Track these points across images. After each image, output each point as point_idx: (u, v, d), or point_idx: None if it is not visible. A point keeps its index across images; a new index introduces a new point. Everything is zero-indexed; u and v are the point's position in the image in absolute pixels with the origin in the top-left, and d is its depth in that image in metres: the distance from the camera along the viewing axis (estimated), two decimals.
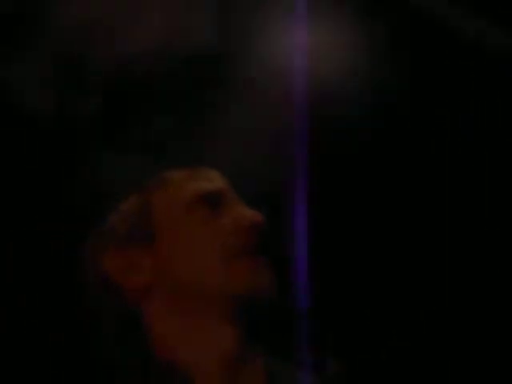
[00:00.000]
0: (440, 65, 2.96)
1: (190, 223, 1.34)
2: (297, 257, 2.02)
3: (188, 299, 1.29)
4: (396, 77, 2.94)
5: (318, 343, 2.30)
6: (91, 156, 3.03)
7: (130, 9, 2.86)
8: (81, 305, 1.40)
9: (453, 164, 3.02)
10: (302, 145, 2.75)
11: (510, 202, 2.97)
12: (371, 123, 2.99)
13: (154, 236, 1.34)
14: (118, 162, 2.95)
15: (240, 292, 1.28)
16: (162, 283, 1.31)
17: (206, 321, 1.28)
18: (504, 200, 2.98)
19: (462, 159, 3.02)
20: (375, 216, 3.02)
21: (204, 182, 1.40)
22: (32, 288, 2.92)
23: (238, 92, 2.88)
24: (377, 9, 2.89)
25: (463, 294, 2.98)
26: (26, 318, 2.92)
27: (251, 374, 1.28)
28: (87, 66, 2.92)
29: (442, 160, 3.03)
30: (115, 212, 1.41)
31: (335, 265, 2.95)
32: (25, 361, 2.88)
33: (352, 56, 2.87)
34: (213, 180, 1.41)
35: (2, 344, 2.90)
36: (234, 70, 2.90)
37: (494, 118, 2.99)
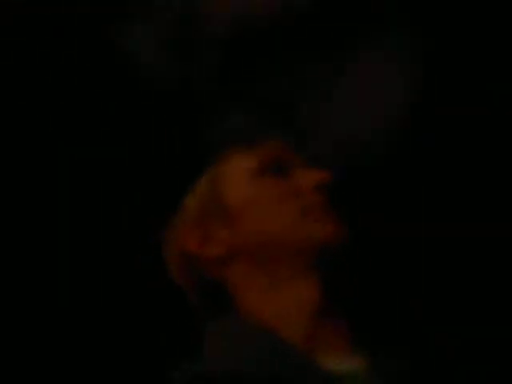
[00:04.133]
0: None
1: (260, 190, 1.39)
2: None
3: (269, 258, 1.34)
4: None
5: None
6: (211, 118, 2.99)
7: None
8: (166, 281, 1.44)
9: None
10: None
11: None
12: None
13: (227, 209, 1.39)
14: (235, 123, 2.91)
15: (322, 240, 1.32)
16: (242, 250, 1.36)
17: (288, 278, 1.32)
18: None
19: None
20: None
21: (268, 151, 1.45)
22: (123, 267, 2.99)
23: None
24: None
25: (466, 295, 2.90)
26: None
27: (335, 329, 1.31)
28: (206, 25, 2.87)
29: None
30: (189, 192, 1.48)
31: None
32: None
33: None
34: (275, 148, 1.46)
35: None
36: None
37: None
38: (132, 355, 3.06)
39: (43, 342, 3.12)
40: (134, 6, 2.89)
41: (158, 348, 2.95)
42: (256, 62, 2.92)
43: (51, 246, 3.07)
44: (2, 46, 2.91)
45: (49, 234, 3.06)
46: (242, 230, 1.36)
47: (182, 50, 2.95)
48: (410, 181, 2.88)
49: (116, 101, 3.03)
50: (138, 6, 2.90)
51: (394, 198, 2.74)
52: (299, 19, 2.82)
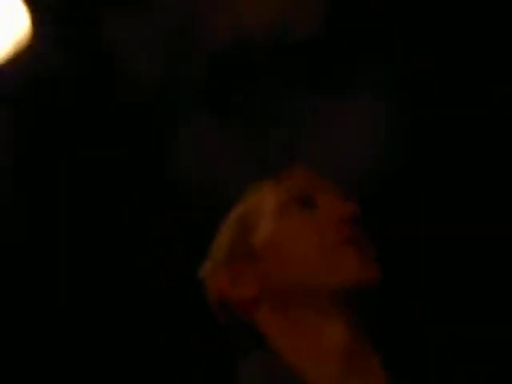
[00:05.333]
0: None
1: (286, 227, 1.35)
2: None
3: (296, 301, 1.31)
4: None
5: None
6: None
7: None
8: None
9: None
10: None
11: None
12: None
13: (254, 249, 1.36)
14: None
15: (346, 283, 1.28)
16: (269, 291, 1.33)
17: (316, 319, 1.30)
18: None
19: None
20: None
21: (295, 182, 1.40)
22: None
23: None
24: None
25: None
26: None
27: (369, 369, 1.28)
28: (196, 38, 2.92)
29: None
30: (222, 226, 1.44)
31: None
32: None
33: None
34: (303, 179, 1.41)
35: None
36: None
37: None
38: None
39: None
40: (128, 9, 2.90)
41: None
42: (241, 81, 2.93)
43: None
44: None
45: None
46: (269, 271, 1.33)
47: (171, 60, 2.98)
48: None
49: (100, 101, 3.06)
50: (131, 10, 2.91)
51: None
52: (286, 50, 2.84)
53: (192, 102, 3.03)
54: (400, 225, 2.96)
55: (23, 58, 2.75)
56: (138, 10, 2.87)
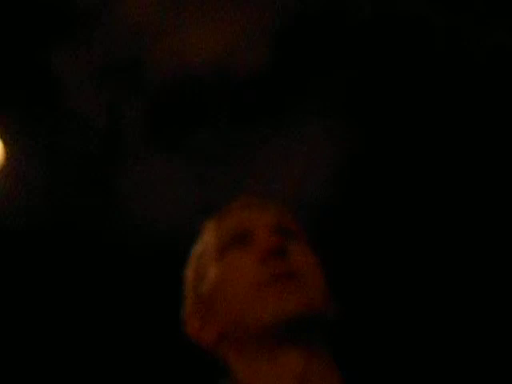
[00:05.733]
0: None
1: (225, 269, 1.39)
2: None
3: (249, 337, 1.35)
4: None
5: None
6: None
7: (189, 22, 2.86)
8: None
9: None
10: None
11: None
12: None
13: (209, 294, 1.41)
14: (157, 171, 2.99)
15: (275, 318, 1.31)
16: (227, 332, 1.39)
17: (271, 351, 1.33)
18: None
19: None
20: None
21: (234, 218, 1.43)
22: None
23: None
24: None
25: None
26: None
27: None
28: (142, 72, 2.94)
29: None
30: (185, 275, 1.49)
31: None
32: None
33: None
34: (242, 214, 1.44)
35: None
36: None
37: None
38: None
39: None
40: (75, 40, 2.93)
41: None
42: (187, 117, 2.98)
43: None
44: None
45: None
46: (223, 314, 1.38)
47: (116, 93, 2.99)
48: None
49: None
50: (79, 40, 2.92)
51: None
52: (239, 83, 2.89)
53: (138, 139, 3.04)
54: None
55: None
56: (83, 45, 2.88)
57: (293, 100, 3.00)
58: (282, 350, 1.32)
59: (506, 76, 2.92)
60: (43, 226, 3.07)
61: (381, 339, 2.99)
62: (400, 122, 3.01)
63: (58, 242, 3.11)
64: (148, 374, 3.25)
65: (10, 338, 3.19)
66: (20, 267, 3.16)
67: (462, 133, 3.05)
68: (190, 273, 1.45)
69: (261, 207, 1.45)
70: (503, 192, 3.08)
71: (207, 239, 1.44)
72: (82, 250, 3.14)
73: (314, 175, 2.97)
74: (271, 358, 1.33)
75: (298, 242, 1.40)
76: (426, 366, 2.97)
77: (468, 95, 2.98)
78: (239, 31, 2.89)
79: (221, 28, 2.90)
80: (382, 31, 2.96)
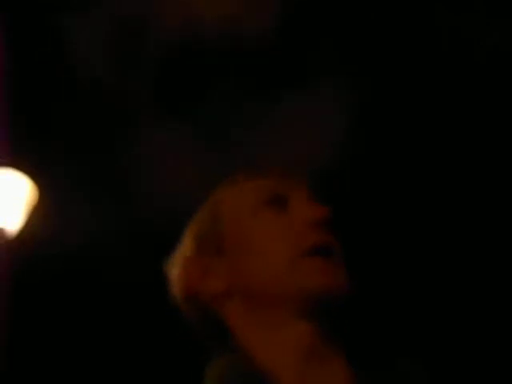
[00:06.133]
0: None
1: (257, 226, 1.33)
2: None
3: (264, 300, 1.30)
4: None
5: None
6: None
7: None
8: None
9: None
10: None
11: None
12: None
13: (225, 243, 1.34)
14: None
15: (314, 291, 1.26)
16: (238, 287, 1.31)
17: (282, 319, 1.28)
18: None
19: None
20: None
21: (270, 182, 1.37)
22: None
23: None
24: None
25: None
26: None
27: (333, 371, 1.27)
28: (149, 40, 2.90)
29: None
30: (191, 220, 1.40)
31: None
32: None
33: None
34: (278, 180, 1.39)
35: None
36: None
37: None
38: None
39: None
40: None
41: None
42: (195, 82, 2.94)
43: None
44: None
45: None
46: (239, 267, 1.32)
47: (123, 61, 2.96)
48: None
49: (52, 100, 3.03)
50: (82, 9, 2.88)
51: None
52: (245, 50, 2.85)
53: (146, 104, 3.01)
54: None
55: None
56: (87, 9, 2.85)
57: (301, 64, 2.96)
58: (292, 320, 1.28)
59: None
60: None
61: (384, 325, 2.95)
62: (410, 85, 2.96)
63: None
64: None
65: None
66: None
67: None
68: (201, 218, 1.38)
69: (292, 177, 1.40)
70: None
71: (238, 193, 1.38)
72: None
73: (325, 141, 2.93)
74: (279, 326, 1.29)
75: None
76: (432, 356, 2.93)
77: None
78: None
79: None
80: None
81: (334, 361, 1.27)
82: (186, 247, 1.38)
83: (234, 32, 2.85)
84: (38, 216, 3.02)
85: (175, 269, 1.37)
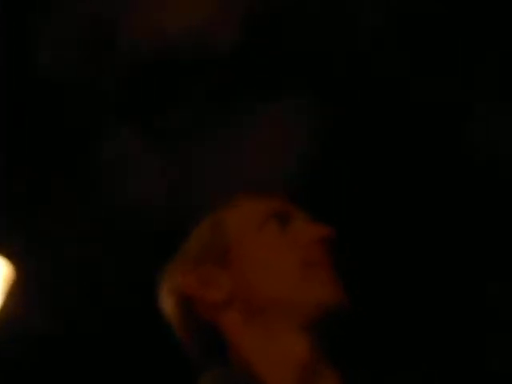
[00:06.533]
0: None
1: (264, 240, 1.37)
2: None
3: (266, 312, 1.32)
4: None
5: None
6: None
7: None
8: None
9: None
10: None
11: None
12: None
13: (228, 255, 1.37)
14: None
15: (322, 302, 1.30)
16: (240, 298, 1.34)
17: (281, 332, 1.31)
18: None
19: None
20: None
21: (271, 202, 1.43)
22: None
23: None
24: None
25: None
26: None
27: (327, 382, 1.29)
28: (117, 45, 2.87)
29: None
30: (192, 233, 1.44)
31: None
32: None
33: None
34: (280, 201, 1.44)
35: None
36: None
37: None
38: None
39: None
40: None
41: None
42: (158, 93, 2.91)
43: None
44: None
45: None
46: (242, 278, 1.34)
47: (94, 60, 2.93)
48: None
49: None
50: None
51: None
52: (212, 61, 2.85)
53: (112, 112, 2.99)
54: None
55: None
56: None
57: (267, 78, 2.97)
58: (293, 334, 1.29)
59: None
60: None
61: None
62: (377, 97, 2.99)
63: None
64: None
65: None
66: None
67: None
68: (205, 228, 1.41)
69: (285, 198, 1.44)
70: None
71: (244, 208, 1.41)
72: None
73: (290, 154, 2.93)
74: (279, 339, 1.29)
75: None
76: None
77: None
78: (217, 4, 2.85)
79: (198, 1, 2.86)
80: None
81: (329, 379, 1.28)
82: (185, 256, 1.39)
83: (201, 44, 2.85)
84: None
85: (172, 274, 1.38)
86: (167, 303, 1.38)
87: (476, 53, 2.89)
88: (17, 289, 3.00)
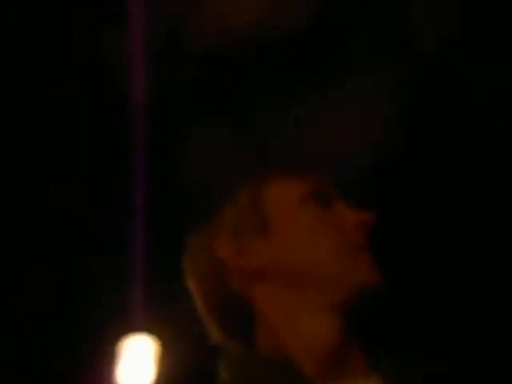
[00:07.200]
0: None
1: (305, 215, 1.36)
2: None
3: (300, 286, 1.32)
4: None
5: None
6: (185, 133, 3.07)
7: None
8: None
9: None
10: None
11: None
12: None
13: (267, 225, 1.36)
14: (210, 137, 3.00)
15: (362, 284, 1.30)
16: (277, 270, 1.33)
17: (313, 310, 1.30)
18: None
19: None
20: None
21: (315, 181, 1.41)
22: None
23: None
24: None
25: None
26: None
27: (351, 367, 1.29)
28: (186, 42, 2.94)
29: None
30: (228, 203, 1.42)
31: None
32: None
33: None
34: (321, 181, 1.42)
35: None
36: None
37: None
38: None
39: None
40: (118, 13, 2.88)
41: None
42: (236, 81, 2.96)
43: None
44: None
45: None
46: (280, 251, 1.32)
47: (164, 63, 3.00)
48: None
49: (93, 109, 3.07)
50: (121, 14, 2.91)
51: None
52: (282, 45, 2.87)
53: (186, 104, 3.05)
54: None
55: None
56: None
57: (334, 59, 2.97)
58: (326, 312, 1.29)
59: None
60: None
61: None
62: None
63: None
64: None
65: None
66: None
67: None
68: (245, 200, 1.39)
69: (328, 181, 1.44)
70: None
71: (285, 184, 1.40)
72: None
73: (363, 138, 2.93)
74: (311, 315, 1.30)
75: None
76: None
77: None
78: None
79: None
80: None
81: (355, 361, 1.29)
82: (223, 222, 1.37)
83: (267, 31, 2.87)
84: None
85: (207, 239, 1.36)
86: (197, 271, 1.37)
87: None
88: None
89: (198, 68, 2.99)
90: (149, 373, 3.46)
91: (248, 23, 2.88)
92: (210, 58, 2.97)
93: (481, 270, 2.99)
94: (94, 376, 3.23)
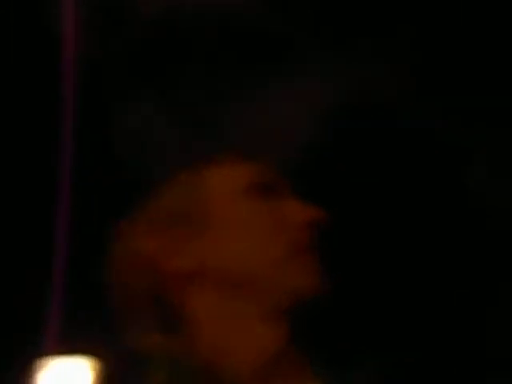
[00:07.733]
0: None
1: (247, 209, 1.23)
2: None
3: (237, 290, 1.20)
4: None
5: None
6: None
7: None
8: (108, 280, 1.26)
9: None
10: None
11: None
12: None
13: (206, 219, 1.22)
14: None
15: (299, 290, 1.20)
16: (213, 272, 1.21)
17: (250, 317, 1.20)
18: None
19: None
20: None
21: (258, 169, 1.29)
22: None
23: None
24: None
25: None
26: None
27: (291, 376, 1.19)
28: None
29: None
30: (161, 190, 1.28)
31: None
32: None
33: None
34: (265, 168, 1.31)
35: None
36: None
37: None
38: None
39: None
40: None
41: None
42: (178, 53, 2.85)
43: None
44: None
45: None
46: (217, 248, 1.21)
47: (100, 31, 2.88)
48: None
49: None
50: None
51: None
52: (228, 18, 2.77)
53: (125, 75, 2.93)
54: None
55: None
56: None
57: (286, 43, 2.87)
58: (262, 318, 1.19)
59: None
60: None
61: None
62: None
63: None
64: None
65: None
66: None
67: None
68: (177, 191, 1.24)
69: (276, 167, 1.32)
70: None
71: (223, 172, 1.26)
72: None
73: (306, 118, 2.84)
74: (246, 320, 1.19)
75: None
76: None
77: None
78: None
79: None
80: None
81: (297, 370, 1.19)
82: (151, 216, 1.23)
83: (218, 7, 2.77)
84: None
85: (131, 234, 1.22)
86: (119, 266, 1.23)
87: None
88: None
89: (138, 37, 2.85)
90: None
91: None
92: (152, 28, 2.84)
93: (428, 271, 2.94)
94: None
